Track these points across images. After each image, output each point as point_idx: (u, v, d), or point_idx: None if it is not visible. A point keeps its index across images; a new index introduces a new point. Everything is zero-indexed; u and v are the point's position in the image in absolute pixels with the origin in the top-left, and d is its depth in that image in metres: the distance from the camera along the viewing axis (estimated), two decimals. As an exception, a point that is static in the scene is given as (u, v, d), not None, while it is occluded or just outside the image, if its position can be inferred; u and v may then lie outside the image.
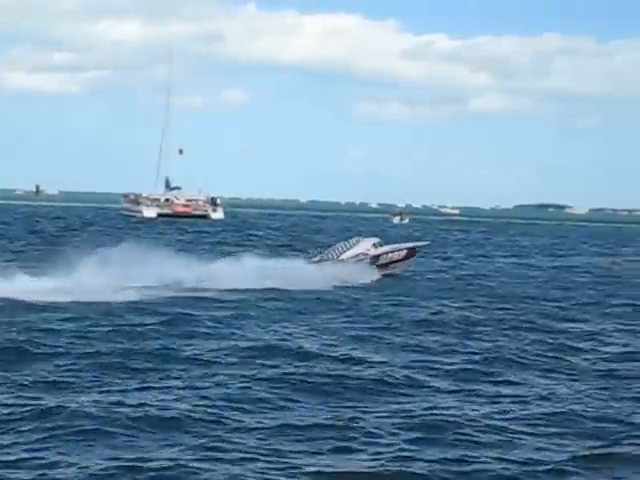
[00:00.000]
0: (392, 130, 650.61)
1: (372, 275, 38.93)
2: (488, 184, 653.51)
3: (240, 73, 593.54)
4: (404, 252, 42.57)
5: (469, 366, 20.01)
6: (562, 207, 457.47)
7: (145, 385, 16.89)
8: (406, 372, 18.85)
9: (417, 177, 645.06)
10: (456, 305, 31.25)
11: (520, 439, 14.40)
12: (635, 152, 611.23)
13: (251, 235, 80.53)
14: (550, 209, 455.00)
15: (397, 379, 18.10)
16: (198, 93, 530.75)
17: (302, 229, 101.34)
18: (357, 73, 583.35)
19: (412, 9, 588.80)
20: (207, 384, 17.04)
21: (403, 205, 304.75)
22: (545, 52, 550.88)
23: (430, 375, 18.87)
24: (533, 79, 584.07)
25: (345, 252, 40.68)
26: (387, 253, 41.82)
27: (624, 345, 24.30)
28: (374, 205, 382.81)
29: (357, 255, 40.67)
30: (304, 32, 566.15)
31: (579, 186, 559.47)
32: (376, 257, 41.21)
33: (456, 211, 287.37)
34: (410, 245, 44.92)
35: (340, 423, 14.68)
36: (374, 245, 41.87)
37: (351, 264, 39.70)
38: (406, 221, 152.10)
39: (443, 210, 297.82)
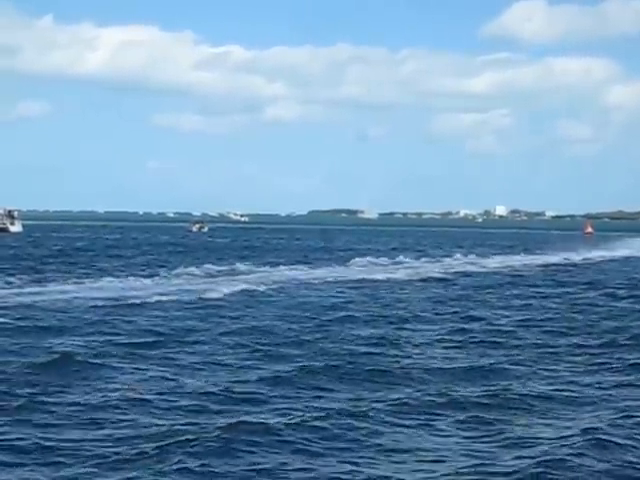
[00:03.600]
0: (189, 140, 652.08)
1: None
2: (283, 191, 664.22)
3: (37, 86, 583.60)
4: None
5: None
6: (354, 212, 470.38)
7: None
8: None
9: (213, 186, 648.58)
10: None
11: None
12: (422, 158, 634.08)
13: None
14: (343, 214, 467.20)
15: None
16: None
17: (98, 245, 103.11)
18: (154, 85, 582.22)
19: (208, 21, 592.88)
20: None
21: (199, 214, 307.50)
22: (337, 62, 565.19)
23: None
24: (326, 88, 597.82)
25: None
26: None
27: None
28: (171, 214, 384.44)
29: None
30: (101, 44, 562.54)
31: (370, 191, 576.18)
32: None
33: (245, 218, 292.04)
34: None
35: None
36: None
37: None
38: (205, 229, 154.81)
39: (233, 217, 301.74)
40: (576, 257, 75.69)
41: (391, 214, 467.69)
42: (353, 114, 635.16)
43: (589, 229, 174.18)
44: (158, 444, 14.26)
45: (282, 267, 56.30)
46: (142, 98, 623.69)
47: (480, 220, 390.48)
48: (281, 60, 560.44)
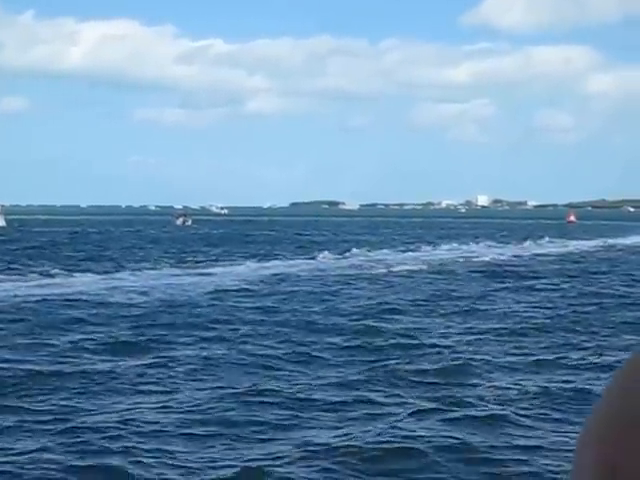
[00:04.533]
0: (171, 134, 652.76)
1: None
2: (264, 183, 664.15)
3: (20, 81, 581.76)
4: None
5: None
6: (336, 204, 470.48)
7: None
8: None
9: (195, 179, 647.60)
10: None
11: None
12: (404, 149, 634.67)
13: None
14: (324, 206, 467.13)
15: None
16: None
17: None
18: (136, 79, 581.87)
19: (189, 15, 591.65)
20: None
21: (181, 207, 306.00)
22: (318, 54, 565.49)
23: None
24: (307, 80, 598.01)
25: None
26: None
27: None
28: (152, 207, 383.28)
29: None
30: (82, 39, 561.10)
31: (352, 183, 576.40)
32: None
33: (225, 211, 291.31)
34: None
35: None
36: None
37: None
38: (189, 222, 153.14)
39: (214, 210, 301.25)
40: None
41: (373, 205, 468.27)
42: (334, 106, 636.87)
43: (572, 217, 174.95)
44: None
45: (284, 259, 55.28)
46: (124, 92, 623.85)
47: (463, 210, 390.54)
48: (262, 53, 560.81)
